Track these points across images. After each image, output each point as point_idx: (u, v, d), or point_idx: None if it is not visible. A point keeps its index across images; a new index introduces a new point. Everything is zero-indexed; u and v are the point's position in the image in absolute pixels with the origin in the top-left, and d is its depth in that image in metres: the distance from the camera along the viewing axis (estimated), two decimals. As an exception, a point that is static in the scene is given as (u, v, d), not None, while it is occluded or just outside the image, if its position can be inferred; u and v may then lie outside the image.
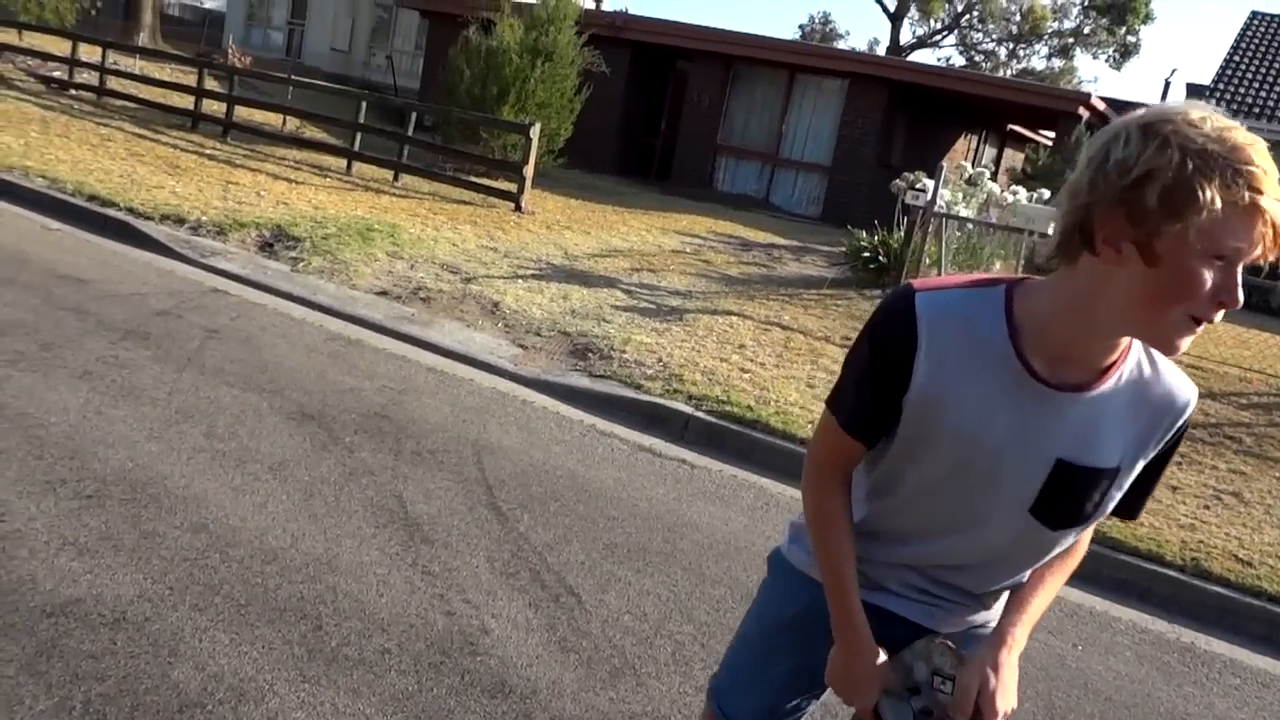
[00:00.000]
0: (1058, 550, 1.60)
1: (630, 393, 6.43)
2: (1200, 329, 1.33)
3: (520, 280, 8.72)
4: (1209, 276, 1.28)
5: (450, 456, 4.78)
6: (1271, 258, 1.29)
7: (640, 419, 6.13)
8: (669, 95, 20.74)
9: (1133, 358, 1.47)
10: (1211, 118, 1.28)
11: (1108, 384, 1.45)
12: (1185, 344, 1.34)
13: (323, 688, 2.82)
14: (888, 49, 39.29)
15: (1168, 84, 33.52)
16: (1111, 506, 1.55)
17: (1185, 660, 4.28)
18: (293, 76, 16.90)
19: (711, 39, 19.10)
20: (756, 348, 7.70)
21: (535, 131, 12.29)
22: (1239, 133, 1.28)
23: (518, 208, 12.14)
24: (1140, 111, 1.34)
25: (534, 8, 15.88)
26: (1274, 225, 1.26)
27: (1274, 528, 5.75)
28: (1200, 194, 1.23)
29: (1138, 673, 4.05)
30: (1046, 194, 13.83)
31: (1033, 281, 1.46)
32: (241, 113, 15.20)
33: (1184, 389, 1.49)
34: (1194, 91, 29.04)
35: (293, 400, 5.10)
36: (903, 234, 10.01)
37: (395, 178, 13.12)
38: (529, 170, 12.27)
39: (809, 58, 19.77)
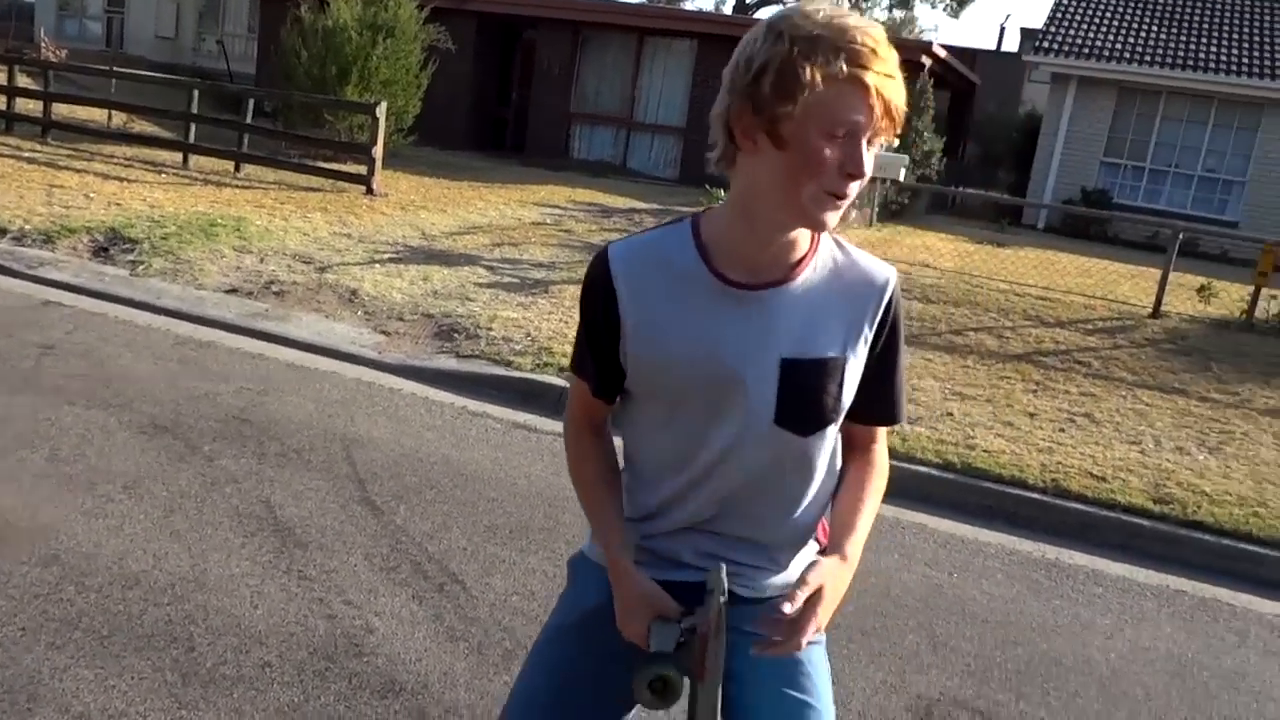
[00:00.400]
0: (821, 467, 1.59)
1: (500, 370, 6.36)
2: (843, 204, 1.41)
3: (378, 265, 8.52)
4: (830, 152, 1.36)
5: (318, 454, 4.65)
6: (892, 134, 1.39)
7: (513, 396, 6.07)
8: (518, 65, 20.47)
9: (825, 250, 1.54)
10: (827, 9, 1.38)
11: (802, 275, 1.51)
12: (831, 219, 1.42)
13: (201, 712, 2.71)
14: (734, 7, 39.54)
15: (1002, 28, 34.71)
16: (848, 400, 1.54)
17: (1051, 575, 4.47)
18: (115, 68, 16.05)
19: (557, 6, 18.89)
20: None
21: (382, 111, 11.97)
22: (851, 18, 1.37)
23: (369, 190, 11.83)
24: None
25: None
26: (882, 99, 1.35)
27: (1123, 444, 6.05)
28: (803, 74, 1.33)
29: (1009, 593, 4.22)
30: (895, 141, 14.19)
31: (715, 208, 1.55)
32: (61, 110, 14.37)
33: (881, 269, 1.55)
34: (1027, 35, 30.13)
35: (143, 412, 4.87)
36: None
37: (237, 168, 12.62)
38: (378, 151, 11.96)
39: (657, 20, 19.75)
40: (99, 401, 4.93)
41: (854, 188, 1.41)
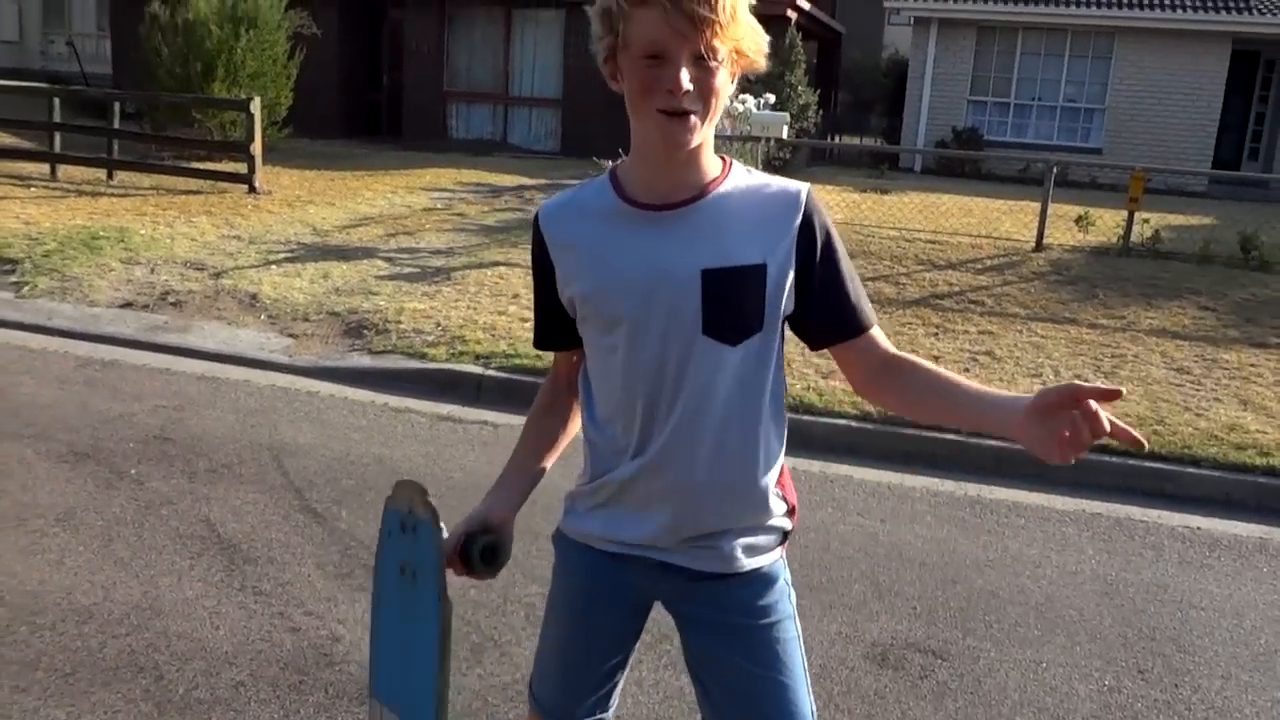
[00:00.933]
0: (759, 399, 1.63)
1: (416, 363, 6.33)
2: (692, 121, 1.48)
3: (274, 266, 8.35)
4: (651, 72, 1.46)
5: (248, 467, 4.59)
6: (713, 45, 1.45)
7: (432, 388, 6.06)
8: (386, 47, 20.07)
9: (737, 174, 1.62)
10: None
11: (714, 192, 1.58)
12: (684, 137, 1.49)
13: (180, 737, 2.70)
14: (593, -29, 39.36)
15: (858, -27, 35.24)
16: (776, 308, 1.60)
17: (976, 512, 4.69)
18: (-38, 81, 15.26)
19: (419, -16, 18.58)
20: (530, 294, 7.70)
21: (256, 106, 11.64)
22: None
23: (252, 189, 11.53)
24: None
25: (226, -28, 14.93)
26: (682, 11, 1.42)
27: (1026, 377, 6.34)
28: (611, 6, 1.47)
29: (940, 534, 4.42)
30: (772, 98, 14.38)
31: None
32: (-91, 129, 13.63)
33: (793, 185, 1.62)
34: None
35: (59, 440, 4.73)
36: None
37: (109, 176, 12.15)
38: (256, 148, 11.64)
39: (522, -9, 19.56)
40: (10, 433, 4.77)
41: (691, 103, 1.47)
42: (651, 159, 1.57)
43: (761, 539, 1.69)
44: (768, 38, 1.55)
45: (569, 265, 1.63)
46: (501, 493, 1.77)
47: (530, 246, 1.71)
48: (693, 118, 1.48)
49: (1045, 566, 4.14)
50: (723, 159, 1.63)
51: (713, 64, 1.46)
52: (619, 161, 1.68)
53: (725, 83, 1.51)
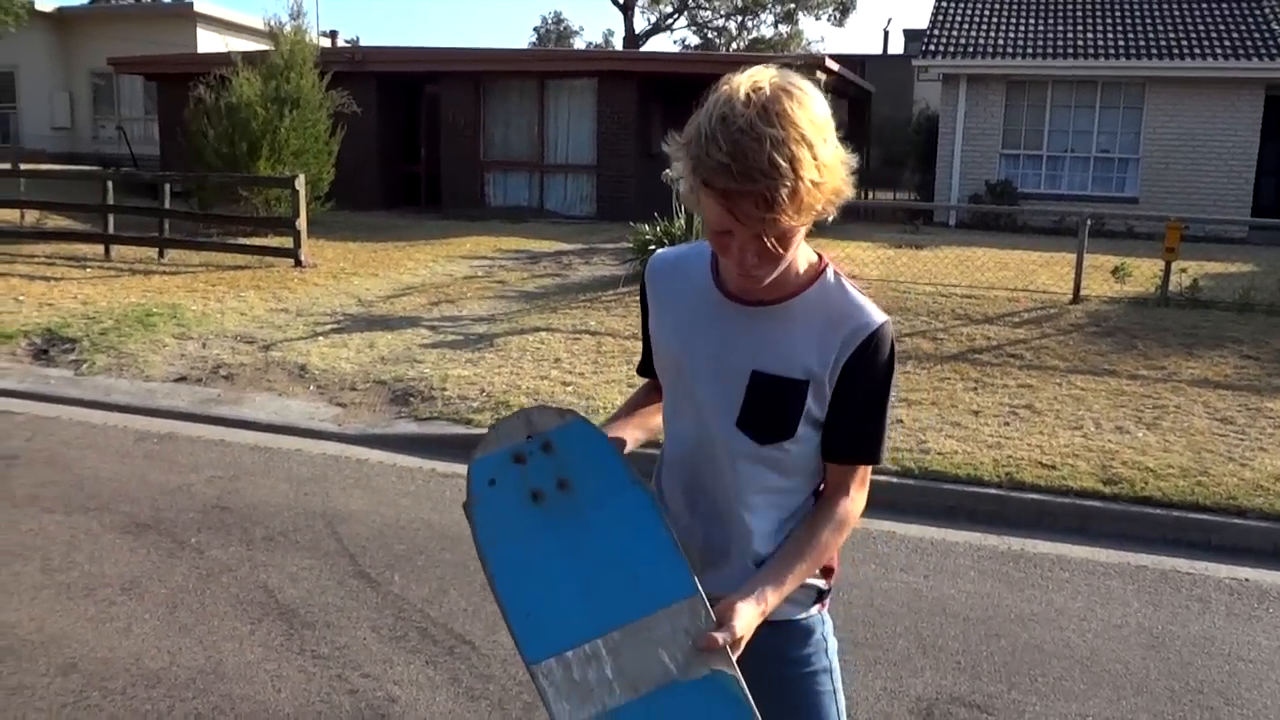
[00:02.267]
0: (778, 492, 1.71)
1: (461, 429, 6.46)
2: (753, 279, 1.57)
3: (321, 337, 8.56)
4: (722, 241, 1.54)
5: (303, 534, 4.72)
6: (778, 231, 1.48)
7: (478, 453, 6.17)
8: (423, 121, 20.57)
9: (825, 285, 1.66)
10: (723, 94, 1.47)
11: (793, 302, 1.65)
12: (752, 286, 1.60)
13: (247, 798, 2.80)
14: (624, 40, 40.12)
15: (887, 33, 35.73)
16: (810, 424, 1.67)
17: (1020, 566, 4.71)
18: (19, 165, 15.83)
19: (455, 59, 19.08)
20: (571, 359, 7.85)
21: (300, 183, 12.00)
22: (724, 116, 1.44)
23: (298, 263, 11.84)
24: None
25: (269, 55, 15.45)
26: (747, 213, 1.44)
27: (1066, 430, 6.35)
28: (686, 180, 1.52)
29: (984, 588, 4.44)
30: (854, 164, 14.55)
31: None
32: (-31, 214, 14.16)
33: (870, 313, 1.64)
34: (911, 37, 31.06)
35: (122, 512, 4.90)
36: (683, 221, 10.37)
37: (161, 254, 12.53)
38: (301, 223, 11.97)
39: (555, 62, 20.04)
40: (77, 506, 4.95)
41: (760, 269, 1.54)
42: (730, 273, 1.66)
43: (796, 593, 1.75)
44: (847, 175, 1.51)
45: (656, 314, 1.82)
46: (615, 430, 1.83)
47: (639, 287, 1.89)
48: (763, 275, 1.56)
49: (1090, 620, 4.15)
50: (820, 256, 1.68)
51: (779, 235, 1.49)
52: None
53: (796, 240, 1.54)
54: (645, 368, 1.94)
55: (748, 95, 1.43)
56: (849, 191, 1.52)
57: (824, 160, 1.44)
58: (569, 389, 7.04)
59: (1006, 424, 6.48)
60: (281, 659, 3.55)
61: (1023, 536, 5.10)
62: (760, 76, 1.47)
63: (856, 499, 1.74)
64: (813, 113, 1.45)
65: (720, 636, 1.51)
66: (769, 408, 1.66)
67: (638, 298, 1.95)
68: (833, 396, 1.66)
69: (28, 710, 3.18)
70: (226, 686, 3.35)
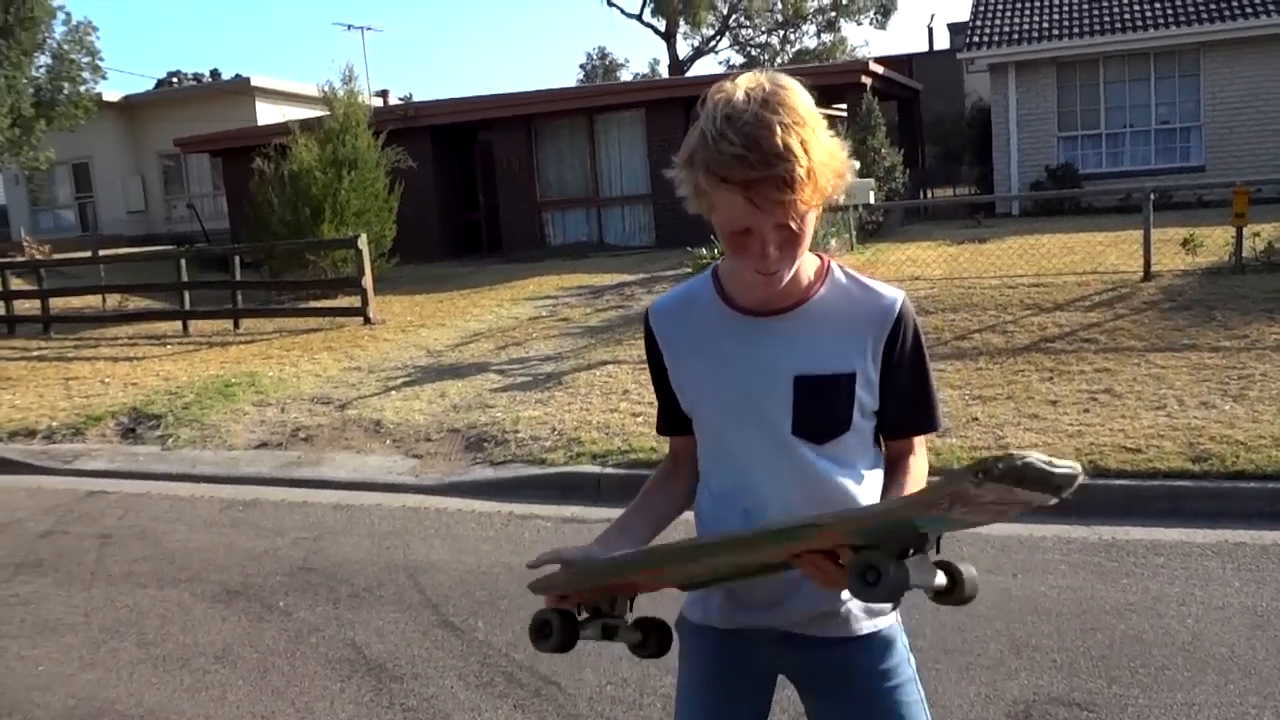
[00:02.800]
0: (843, 485, 1.68)
1: (536, 470, 6.51)
2: (774, 278, 1.58)
3: (394, 391, 8.71)
4: (739, 241, 1.56)
5: (387, 588, 4.79)
6: (795, 214, 1.50)
7: (553, 492, 6.22)
8: (479, 168, 20.89)
9: (835, 279, 1.69)
10: (726, 92, 1.52)
11: (811, 301, 1.67)
12: (777, 280, 1.59)
13: None
14: (669, 67, 40.34)
15: (930, 30, 35.33)
16: (862, 413, 1.67)
17: (1112, 555, 4.58)
18: (99, 252, 16.42)
19: (504, 105, 19.36)
20: (640, 389, 7.86)
21: (363, 242, 12.27)
22: (732, 111, 1.48)
23: (367, 320, 12.08)
24: None
25: (324, 120, 15.85)
26: (766, 197, 1.48)
27: (1149, 411, 6.18)
28: (694, 182, 1.55)
29: (1076, 582, 4.33)
30: (857, 164, 14.45)
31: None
32: (57, 304, 14.72)
33: (887, 292, 1.69)
34: (956, 30, 30.73)
35: (212, 581, 5.02)
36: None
37: (236, 325, 12.89)
38: (367, 281, 12.22)
39: (602, 97, 20.22)
40: (168, 579, 5.09)
41: (779, 264, 1.56)
42: (746, 284, 1.67)
43: (857, 612, 1.75)
44: (846, 158, 1.57)
45: (675, 357, 1.76)
46: (595, 549, 1.79)
47: (644, 338, 1.83)
48: (783, 273, 1.59)
49: (1190, 604, 4.01)
50: (821, 258, 1.71)
51: (796, 225, 1.53)
52: (720, 260, 1.79)
53: (811, 224, 1.57)
54: (667, 424, 1.87)
55: (746, 94, 1.49)
56: (851, 175, 1.57)
57: (825, 143, 1.51)
58: (639, 419, 7.05)
59: (1086, 411, 6.32)
60: (372, 714, 3.60)
61: (1113, 525, 4.96)
62: (752, 78, 1.53)
63: (923, 458, 1.78)
64: (806, 103, 1.52)
65: None
66: (820, 408, 1.66)
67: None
68: (881, 381, 1.68)
69: (132, 784, 3.26)
70: (320, 745, 3.40)
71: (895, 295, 1.70)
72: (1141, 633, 3.80)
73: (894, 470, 1.75)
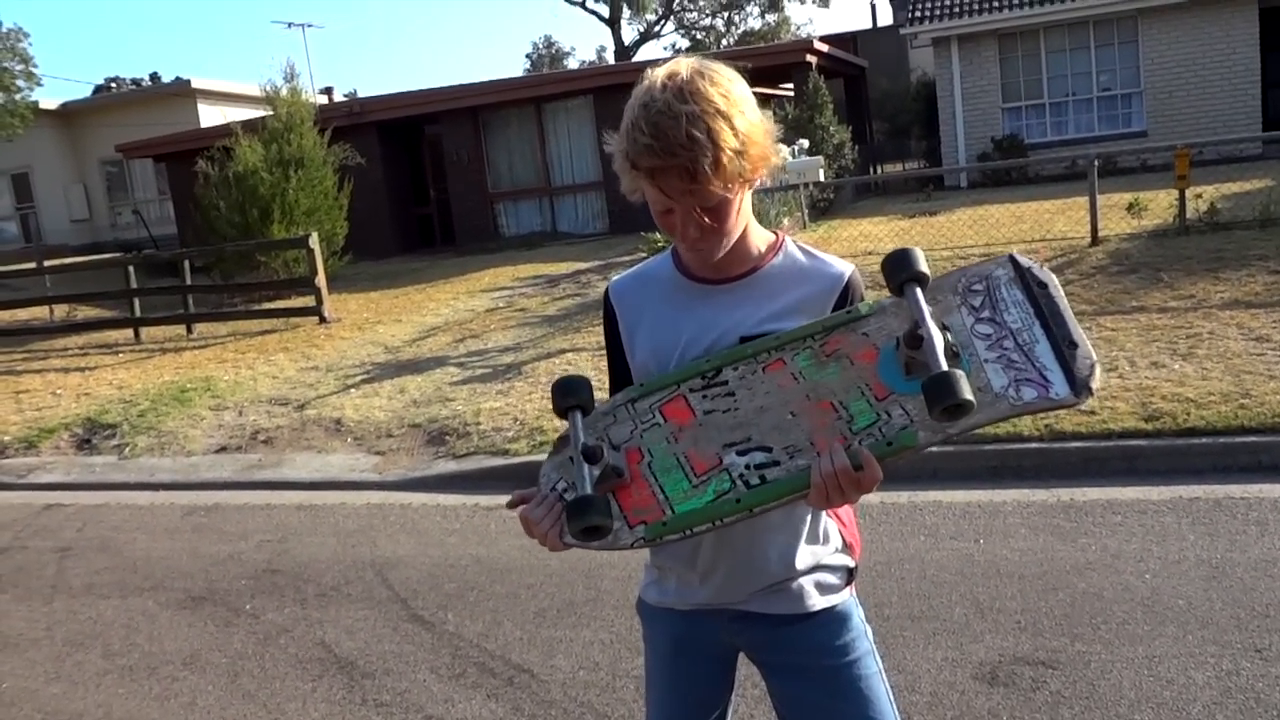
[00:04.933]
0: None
1: (500, 460, 6.50)
2: (703, 252, 1.64)
3: (353, 390, 8.65)
4: (666, 221, 1.62)
5: (355, 586, 4.77)
6: (709, 194, 1.54)
7: (518, 482, 6.13)
8: (428, 161, 20.75)
9: (788, 250, 1.75)
10: (648, 81, 1.57)
11: (762, 269, 1.72)
12: (709, 255, 1.65)
13: None
14: (615, 53, 40.23)
15: (873, 6, 35.51)
16: None
17: (1070, 516, 4.66)
18: (44, 263, 16.14)
19: (450, 97, 19.23)
20: (600, 374, 7.84)
21: (315, 241, 12.14)
22: (645, 100, 1.54)
23: (322, 319, 11.97)
24: None
25: (267, 120, 15.66)
26: (676, 185, 1.54)
27: (1102, 373, 6.27)
28: (619, 164, 1.60)
29: (1036, 544, 4.40)
30: (805, 143, 14.53)
31: None
32: (3, 316, 14.47)
33: (839, 264, 1.74)
34: (898, 6, 30.88)
35: (176, 588, 4.97)
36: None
37: (189, 330, 12.72)
38: (320, 280, 12.10)
39: (548, 85, 20.12)
40: (132, 589, 5.03)
41: (706, 239, 1.61)
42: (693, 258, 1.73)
43: (828, 577, 1.78)
44: (772, 142, 1.61)
45: (634, 327, 1.79)
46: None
47: (603, 313, 1.86)
48: (711, 246, 1.63)
49: (1147, 560, 4.09)
50: (776, 233, 1.77)
51: (716, 204, 1.58)
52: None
53: (736, 203, 1.61)
54: (619, 384, 1.88)
55: (664, 82, 1.54)
56: (777, 159, 1.63)
57: (743, 130, 1.54)
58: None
59: (1040, 377, 6.40)
60: (345, 712, 3.59)
61: (1070, 486, 5.04)
62: (677, 64, 1.58)
63: None
64: (727, 89, 1.55)
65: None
66: None
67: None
68: None
69: (105, 794, 3.23)
70: (294, 745, 3.39)
71: (845, 267, 1.73)
72: (1101, 590, 3.87)
73: None
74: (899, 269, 1.55)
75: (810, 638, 1.76)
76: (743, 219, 1.66)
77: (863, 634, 1.80)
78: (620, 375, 1.85)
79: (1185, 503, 4.64)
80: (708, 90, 1.52)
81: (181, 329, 12.79)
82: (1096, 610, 3.71)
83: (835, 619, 1.78)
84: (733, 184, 1.56)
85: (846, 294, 1.71)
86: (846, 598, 1.81)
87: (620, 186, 1.64)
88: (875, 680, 1.78)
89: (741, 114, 1.54)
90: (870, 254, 10.79)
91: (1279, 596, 3.66)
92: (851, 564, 1.82)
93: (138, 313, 12.96)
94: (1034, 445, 5.44)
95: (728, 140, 1.51)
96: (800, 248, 1.77)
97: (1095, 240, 9.66)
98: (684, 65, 1.57)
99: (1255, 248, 8.58)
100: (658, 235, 11.17)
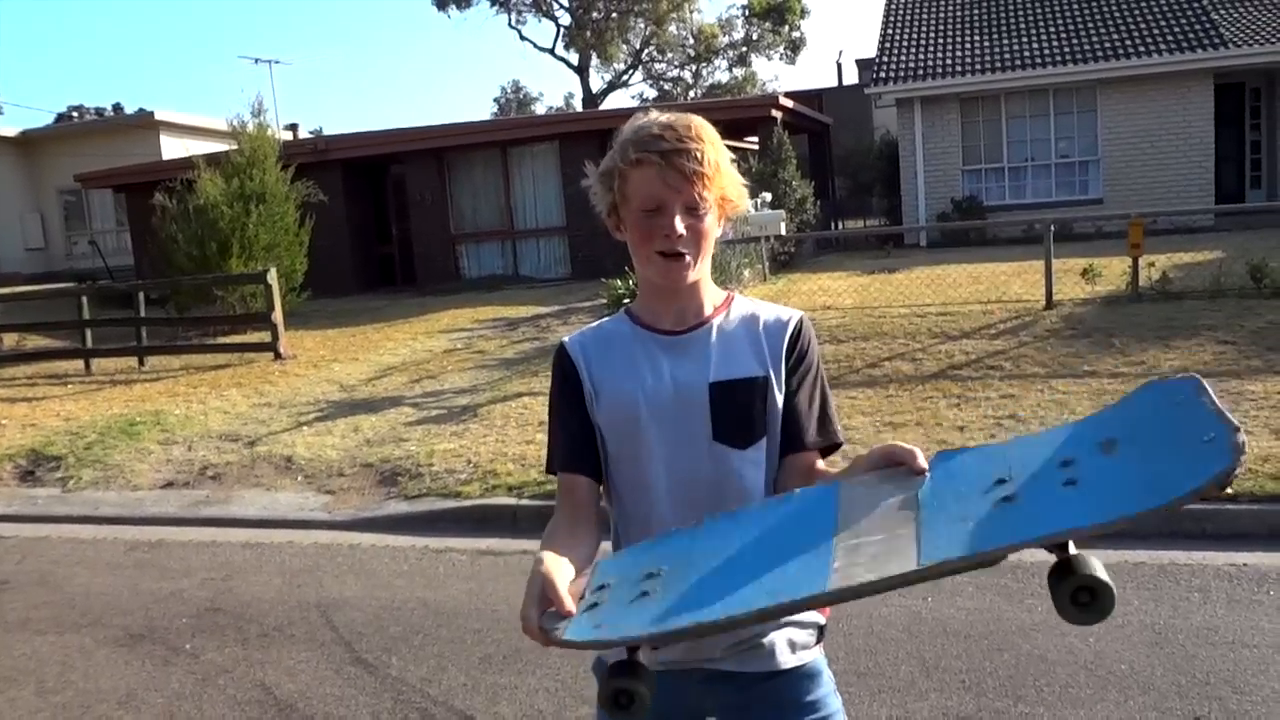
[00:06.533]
0: (762, 484, 1.73)
1: (451, 503, 6.45)
2: (687, 261, 1.69)
3: (305, 427, 8.56)
4: (649, 222, 1.68)
5: (298, 626, 4.69)
6: (702, 194, 1.67)
7: (469, 525, 6.16)
8: (391, 201, 20.73)
9: (739, 304, 1.82)
10: (644, 117, 1.71)
11: (718, 319, 1.78)
12: (681, 275, 1.70)
13: None
14: (583, 100, 40.62)
15: (839, 65, 36.20)
16: (775, 417, 1.72)
17: (1018, 577, 4.69)
18: (-5, 291, 15.90)
19: (416, 138, 19.27)
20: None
21: (273, 277, 12.07)
22: (651, 115, 1.72)
23: (277, 355, 11.86)
24: None
25: (230, 154, 15.60)
26: (674, 168, 1.64)
27: (1052, 435, 6.35)
28: (612, 169, 1.71)
29: (983, 604, 4.43)
30: (769, 196, 14.70)
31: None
32: (-50, 344, 14.19)
33: (787, 312, 1.82)
34: (864, 66, 31.50)
35: (115, 625, 4.86)
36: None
37: (141, 363, 12.55)
38: (277, 316, 12.01)
39: (514, 130, 20.25)
40: (69, 624, 4.91)
41: (686, 246, 1.68)
42: (657, 294, 1.78)
43: (799, 634, 1.77)
44: (744, 186, 1.77)
45: (597, 381, 1.78)
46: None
47: (555, 370, 1.84)
48: (687, 257, 1.69)
49: (1091, 622, 4.12)
50: (726, 290, 1.85)
51: (702, 211, 1.68)
52: (628, 303, 1.92)
53: (713, 226, 1.72)
54: (570, 458, 1.77)
55: (655, 117, 1.71)
56: (745, 205, 1.77)
57: (725, 166, 1.71)
58: (555, 451, 7.02)
59: (992, 436, 6.48)
60: (282, 756, 3.52)
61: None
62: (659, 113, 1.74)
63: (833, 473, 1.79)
64: (713, 132, 1.72)
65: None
66: (736, 412, 1.72)
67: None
68: (785, 391, 1.75)
69: (28, 838, 3.14)
70: (228, 791, 3.31)
71: (795, 313, 1.82)
72: (1046, 652, 3.90)
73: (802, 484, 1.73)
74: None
75: (781, 695, 1.75)
76: (707, 257, 1.74)
77: (832, 692, 1.80)
78: (574, 435, 1.77)
79: (1130, 567, 4.70)
80: (701, 125, 1.69)
81: (133, 361, 12.62)
82: (1040, 672, 3.74)
83: (808, 676, 1.78)
84: (724, 201, 1.72)
85: (798, 335, 1.78)
86: (817, 655, 1.81)
87: (599, 220, 1.75)
88: None
89: (726, 155, 1.71)
90: (829, 308, 10.91)
91: (1218, 665, 3.70)
92: (822, 621, 1.82)
93: (89, 344, 12.77)
94: (984, 504, 5.48)
95: (724, 159, 1.69)
96: (749, 301, 1.85)
97: (1050, 304, 9.82)
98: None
99: (1205, 318, 8.77)
100: (619, 282, 11.21)
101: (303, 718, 3.79)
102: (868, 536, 1.32)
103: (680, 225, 1.66)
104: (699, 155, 1.64)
